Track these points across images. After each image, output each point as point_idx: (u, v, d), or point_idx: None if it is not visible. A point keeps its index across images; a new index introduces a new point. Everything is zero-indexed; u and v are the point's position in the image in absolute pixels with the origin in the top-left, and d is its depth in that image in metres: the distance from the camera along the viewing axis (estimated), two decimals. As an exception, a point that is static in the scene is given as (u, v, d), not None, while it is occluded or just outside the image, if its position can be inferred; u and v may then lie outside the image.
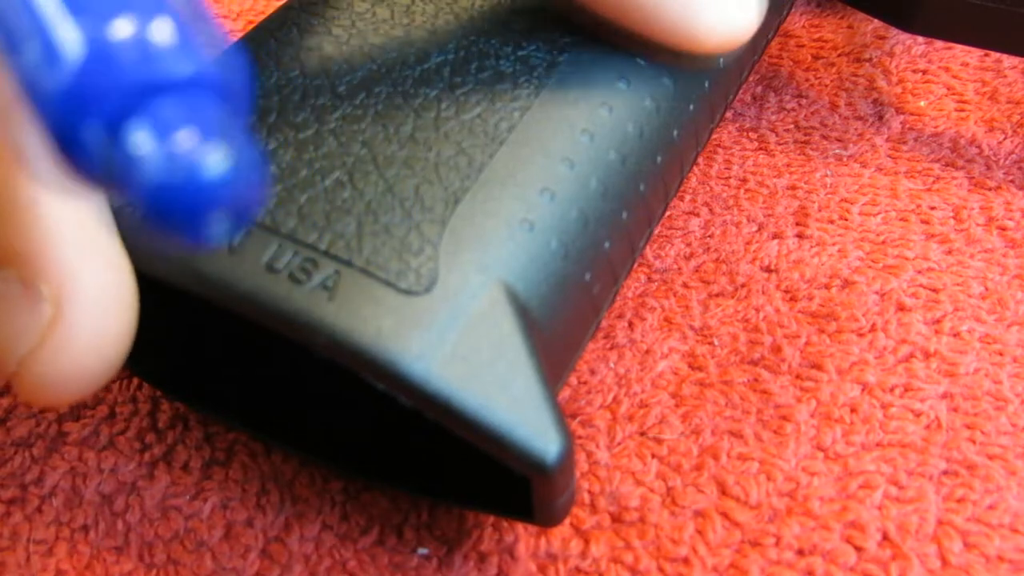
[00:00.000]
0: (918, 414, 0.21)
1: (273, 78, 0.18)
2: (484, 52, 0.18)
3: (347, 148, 0.17)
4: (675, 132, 0.19)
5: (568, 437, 0.15)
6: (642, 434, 0.20)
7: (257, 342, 0.20)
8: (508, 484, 0.17)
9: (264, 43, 0.19)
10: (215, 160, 0.10)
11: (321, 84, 0.18)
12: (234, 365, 0.20)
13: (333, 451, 0.19)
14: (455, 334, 0.15)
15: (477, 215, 0.16)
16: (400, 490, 0.19)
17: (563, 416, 0.16)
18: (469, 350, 0.15)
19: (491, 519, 0.19)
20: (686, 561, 0.19)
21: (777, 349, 0.22)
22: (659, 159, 0.19)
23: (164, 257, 0.16)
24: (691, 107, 0.20)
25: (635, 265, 0.23)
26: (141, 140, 0.10)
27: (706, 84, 0.20)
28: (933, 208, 0.24)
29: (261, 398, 0.20)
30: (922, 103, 0.27)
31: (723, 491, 0.20)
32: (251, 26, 0.23)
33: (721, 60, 0.20)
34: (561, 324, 0.17)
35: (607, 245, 0.18)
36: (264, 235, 0.16)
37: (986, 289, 0.23)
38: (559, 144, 0.17)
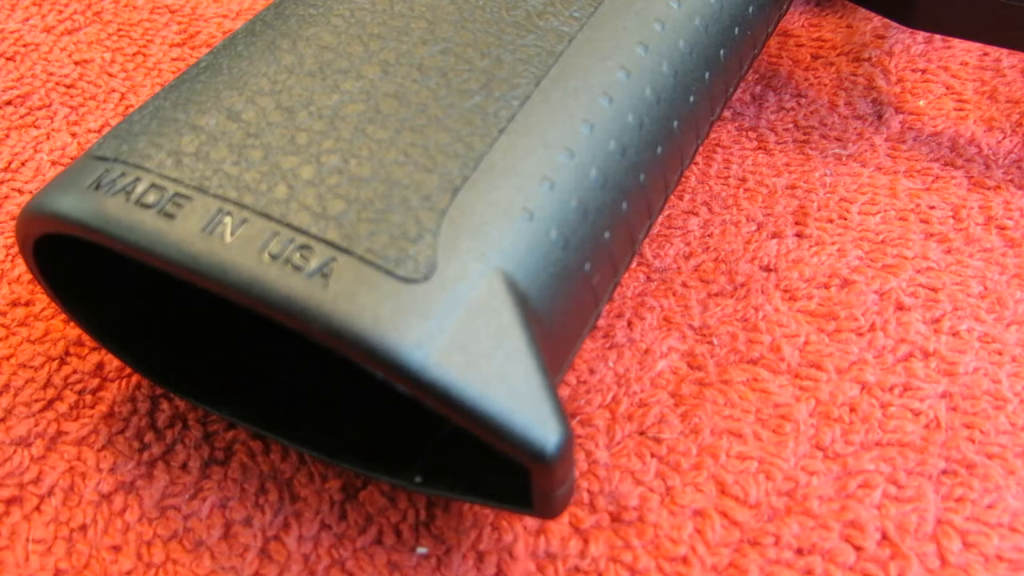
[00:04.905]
0: (917, 413, 0.21)
1: (271, 66, 0.18)
2: (484, 41, 0.18)
3: (344, 135, 0.17)
4: (675, 123, 0.19)
5: (567, 427, 0.15)
6: (641, 433, 0.20)
7: (255, 330, 0.20)
8: (507, 476, 0.17)
9: (263, 32, 0.19)
10: None
11: (318, 72, 0.18)
12: (233, 355, 0.20)
13: (331, 443, 0.19)
14: (454, 322, 0.15)
15: (476, 204, 0.16)
16: (397, 484, 0.19)
17: (562, 406, 0.15)
18: (468, 339, 0.15)
19: (490, 518, 0.19)
20: (685, 560, 0.19)
21: (776, 348, 0.22)
22: (659, 150, 0.19)
23: (163, 246, 0.16)
24: (691, 99, 0.20)
25: (634, 262, 0.23)
26: None
27: (706, 76, 0.20)
28: (932, 207, 0.24)
29: (260, 388, 0.20)
30: (921, 102, 0.27)
31: (722, 490, 0.19)
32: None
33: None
34: (560, 314, 0.17)
35: (607, 235, 0.18)
36: (261, 222, 0.16)
37: (985, 288, 0.23)
38: (559, 134, 0.17)
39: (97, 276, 0.19)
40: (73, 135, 0.27)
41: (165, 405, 0.21)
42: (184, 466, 0.20)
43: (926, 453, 0.20)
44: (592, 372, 0.21)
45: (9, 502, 0.20)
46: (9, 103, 0.28)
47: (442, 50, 0.18)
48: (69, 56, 0.29)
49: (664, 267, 0.23)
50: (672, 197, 0.25)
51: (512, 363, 0.15)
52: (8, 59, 0.29)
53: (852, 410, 0.21)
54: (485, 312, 0.15)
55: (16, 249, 0.24)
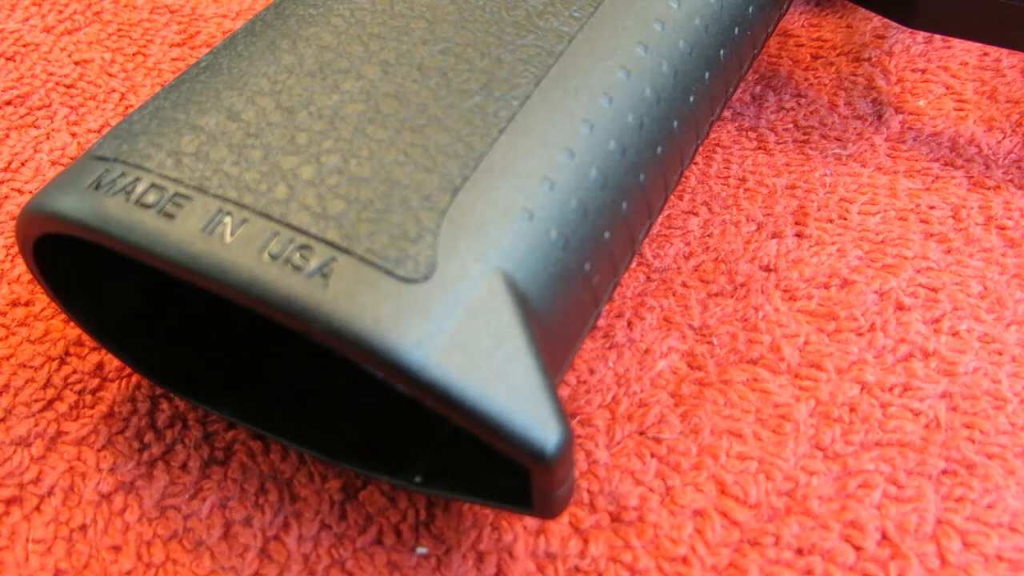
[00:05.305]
0: (917, 413, 0.21)
1: (271, 66, 0.18)
2: (484, 41, 0.18)
3: (344, 135, 0.17)
4: (675, 123, 0.19)
5: (567, 427, 0.15)
6: (641, 433, 0.20)
7: (255, 330, 0.20)
8: (507, 476, 0.17)
9: (263, 32, 0.19)
10: None
11: (318, 72, 0.18)
12: (233, 355, 0.20)
13: (331, 443, 0.19)
14: (454, 322, 0.15)
15: (476, 204, 0.16)
16: (397, 484, 0.19)
17: (562, 406, 0.15)
18: (468, 339, 0.15)
19: (490, 518, 0.19)
20: (685, 560, 0.19)
21: (776, 348, 0.22)
22: (659, 150, 0.19)
23: (163, 246, 0.16)
24: (691, 99, 0.20)
25: (634, 262, 0.23)
26: None
27: (706, 76, 0.20)
28: (932, 207, 0.24)
29: (260, 388, 0.20)
30: (921, 102, 0.27)
31: (722, 490, 0.20)
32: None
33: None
34: (560, 314, 0.17)
35: (607, 235, 0.18)
36: (261, 222, 0.16)
37: (985, 288, 0.23)
38: (559, 134, 0.17)
39: (97, 276, 0.19)
40: (73, 135, 0.27)
41: (165, 405, 0.21)
42: (184, 466, 0.20)
43: (926, 453, 0.20)
44: (592, 372, 0.21)
45: (9, 502, 0.20)
46: (9, 103, 0.28)
47: (442, 50, 0.18)
48: (69, 56, 0.29)
49: (664, 267, 0.23)
50: (672, 197, 0.25)
51: (512, 363, 0.15)
52: (8, 59, 0.29)
53: (852, 410, 0.21)
54: (485, 312, 0.15)
55: (16, 249, 0.24)
